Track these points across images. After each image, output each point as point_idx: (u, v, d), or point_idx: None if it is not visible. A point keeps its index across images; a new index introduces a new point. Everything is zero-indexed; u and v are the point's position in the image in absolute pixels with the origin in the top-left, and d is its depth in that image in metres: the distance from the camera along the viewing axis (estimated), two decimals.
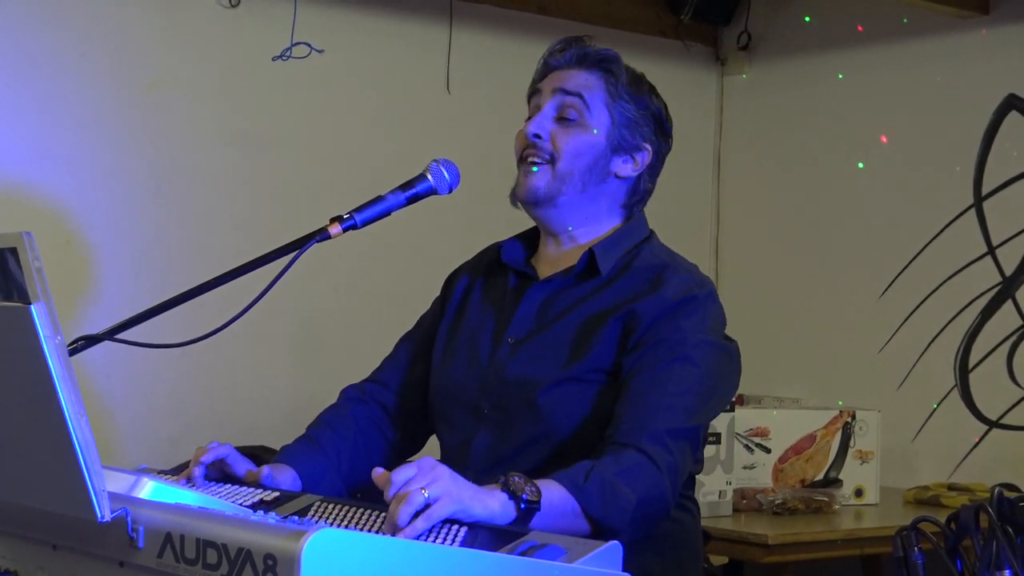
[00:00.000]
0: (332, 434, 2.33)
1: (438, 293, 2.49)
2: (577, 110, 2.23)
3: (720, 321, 2.21)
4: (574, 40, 2.29)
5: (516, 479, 1.83)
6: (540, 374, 2.16)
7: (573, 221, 2.28)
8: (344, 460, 2.31)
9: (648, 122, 2.27)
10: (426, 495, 1.72)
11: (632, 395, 2.07)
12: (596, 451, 2.04)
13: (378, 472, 1.82)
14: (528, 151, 2.25)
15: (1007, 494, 1.68)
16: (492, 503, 1.79)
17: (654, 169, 2.31)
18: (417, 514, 1.72)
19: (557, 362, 2.16)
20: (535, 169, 2.23)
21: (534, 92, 2.30)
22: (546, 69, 2.29)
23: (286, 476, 2.20)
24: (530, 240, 2.37)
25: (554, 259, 2.31)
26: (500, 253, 2.35)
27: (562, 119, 2.24)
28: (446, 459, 2.25)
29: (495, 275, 2.37)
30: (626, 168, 2.27)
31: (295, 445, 2.31)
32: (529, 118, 2.28)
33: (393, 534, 1.70)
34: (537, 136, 2.23)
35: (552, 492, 1.88)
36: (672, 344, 2.10)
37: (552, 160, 2.22)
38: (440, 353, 2.34)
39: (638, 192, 2.30)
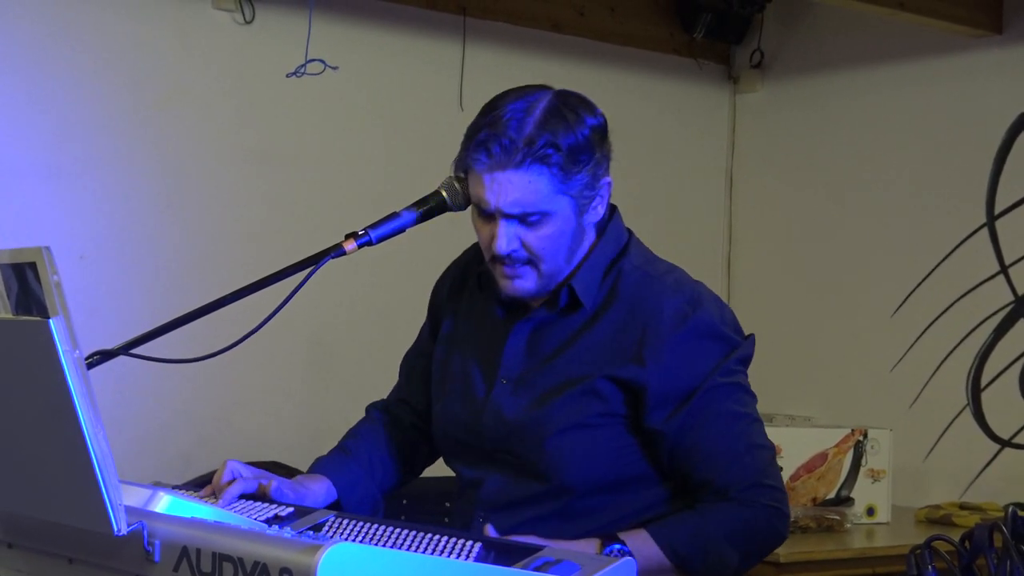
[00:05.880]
0: (364, 442, 2.34)
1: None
2: (536, 213, 2.08)
3: (729, 316, 2.17)
4: (491, 136, 2.09)
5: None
6: (545, 420, 2.12)
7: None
8: (377, 467, 2.32)
9: (599, 162, 2.12)
10: None
11: (706, 457, 2.11)
12: (699, 504, 2.13)
13: None
14: (502, 263, 2.11)
15: (1021, 513, 1.68)
16: None
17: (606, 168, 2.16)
18: None
19: (561, 408, 2.12)
20: (520, 274, 2.12)
21: (479, 200, 2.10)
22: (481, 168, 2.10)
23: (320, 485, 2.22)
24: None
25: None
26: (479, 279, 2.27)
27: (526, 223, 2.08)
28: (462, 493, 2.26)
29: (477, 298, 2.30)
30: (596, 212, 2.15)
31: (328, 456, 2.32)
32: (482, 217, 2.12)
33: None
34: (509, 256, 2.10)
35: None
36: (707, 392, 2.10)
37: (532, 262, 2.11)
38: (437, 390, 2.31)
39: (605, 200, 2.17)
